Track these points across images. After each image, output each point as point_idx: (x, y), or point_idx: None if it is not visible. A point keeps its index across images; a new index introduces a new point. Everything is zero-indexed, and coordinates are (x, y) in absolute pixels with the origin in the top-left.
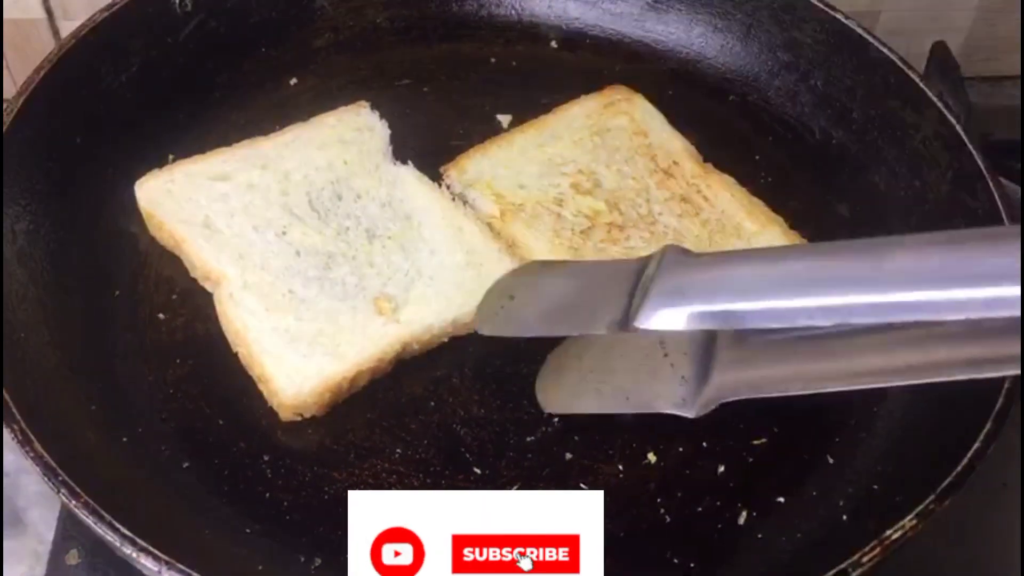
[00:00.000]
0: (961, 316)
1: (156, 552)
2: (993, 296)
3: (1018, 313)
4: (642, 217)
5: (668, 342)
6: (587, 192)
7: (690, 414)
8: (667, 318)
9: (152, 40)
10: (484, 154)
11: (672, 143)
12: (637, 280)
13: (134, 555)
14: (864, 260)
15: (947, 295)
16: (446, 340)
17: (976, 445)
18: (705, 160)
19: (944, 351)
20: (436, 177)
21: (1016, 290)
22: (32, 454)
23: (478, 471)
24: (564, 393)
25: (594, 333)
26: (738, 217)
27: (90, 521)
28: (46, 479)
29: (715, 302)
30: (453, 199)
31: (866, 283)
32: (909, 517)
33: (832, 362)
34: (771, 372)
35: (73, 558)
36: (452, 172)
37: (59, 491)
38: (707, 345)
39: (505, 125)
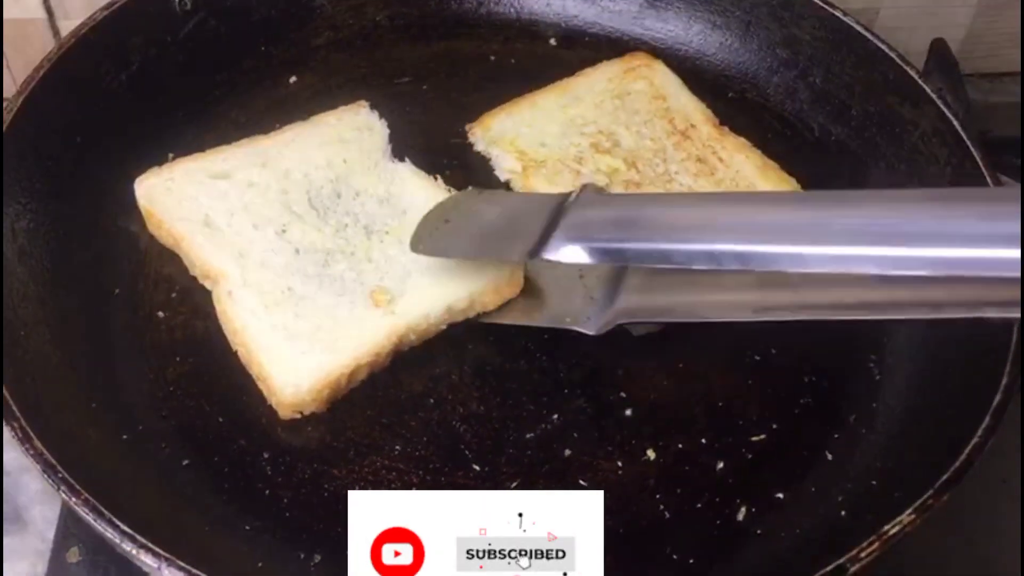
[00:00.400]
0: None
1: (156, 549)
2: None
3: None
4: (659, 176)
5: (584, 266)
6: (606, 151)
7: (591, 331)
8: (570, 252)
9: (152, 39)
10: (508, 113)
11: (690, 107)
12: (555, 214)
13: (134, 551)
14: (746, 210)
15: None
16: (444, 328)
17: (974, 440)
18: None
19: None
20: (434, 174)
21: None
22: (32, 451)
23: (477, 468)
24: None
25: (510, 260)
26: (752, 178)
27: (90, 518)
28: (46, 476)
29: (614, 241)
30: (449, 191)
31: (742, 232)
32: (907, 512)
33: (735, 295)
34: (676, 299)
35: (74, 556)
36: (477, 130)
37: (59, 488)
38: (620, 270)
39: None
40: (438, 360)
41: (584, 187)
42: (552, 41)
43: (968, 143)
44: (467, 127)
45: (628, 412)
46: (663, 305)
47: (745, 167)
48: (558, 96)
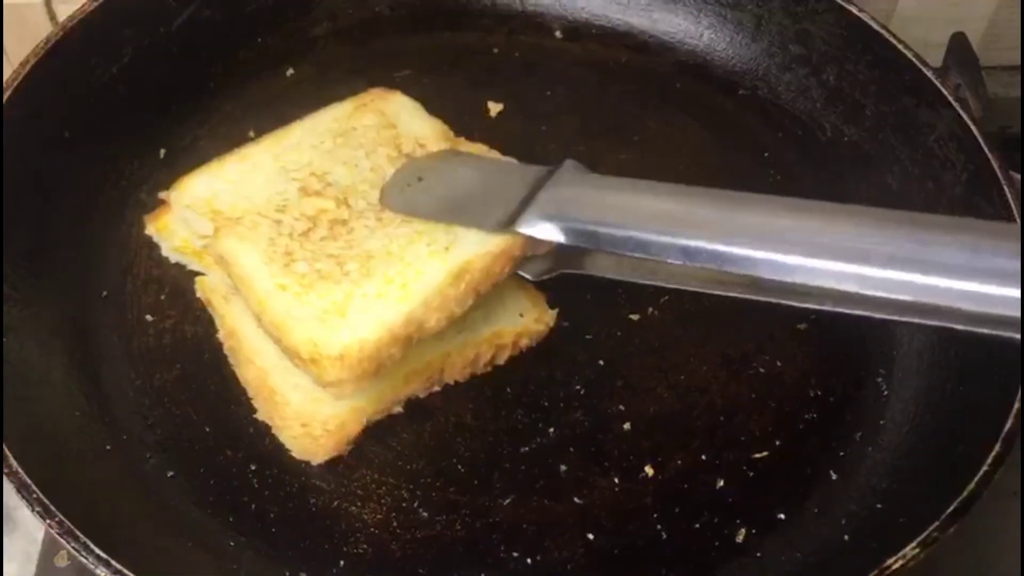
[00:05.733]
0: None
1: (129, 574)
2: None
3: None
4: (371, 206)
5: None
6: (316, 193)
7: (531, 276)
8: (544, 229)
9: (144, 30)
10: (209, 174)
11: (422, 128)
12: (532, 187)
13: None
14: (726, 210)
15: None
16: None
17: (983, 469)
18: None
19: None
20: None
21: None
22: (6, 470)
23: (470, 483)
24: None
25: (482, 229)
26: None
27: (63, 541)
28: (21, 495)
29: (589, 223)
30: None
31: (723, 231)
32: (912, 545)
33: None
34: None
35: (62, 559)
36: (173, 195)
37: (33, 509)
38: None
39: (493, 114)
40: None
41: (567, 161)
42: (558, 34)
43: (985, 149)
44: (163, 195)
45: (626, 426)
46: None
47: None
48: (273, 144)
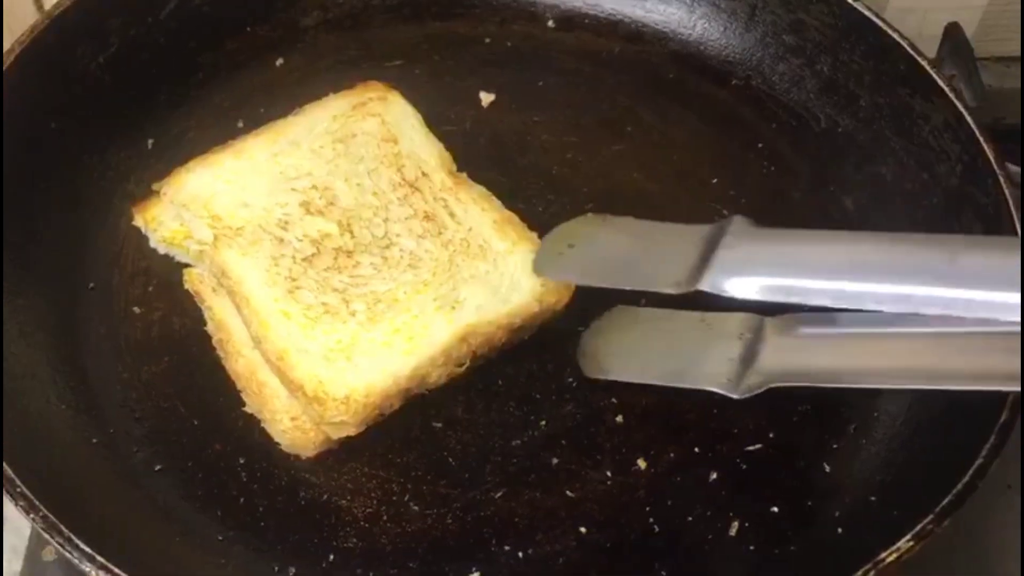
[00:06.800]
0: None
1: (116, 570)
2: None
3: None
4: (376, 240)
5: (713, 323)
6: (319, 212)
7: (735, 395)
8: (737, 285)
9: (131, 19)
10: (206, 167)
11: (424, 150)
12: (705, 245)
13: (93, 573)
14: (936, 253)
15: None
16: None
17: (978, 461)
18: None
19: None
20: None
21: None
22: None
23: (461, 476)
24: (608, 361)
25: (657, 291)
26: (486, 235)
27: (48, 536)
28: (5, 490)
29: (785, 276)
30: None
31: (937, 276)
32: (906, 538)
33: (878, 360)
34: (820, 362)
35: (49, 554)
36: (168, 189)
37: (17, 503)
38: (756, 330)
39: (485, 104)
40: None
41: (734, 217)
42: (550, 23)
43: (980, 140)
44: (156, 186)
45: (619, 419)
46: (811, 366)
47: (480, 223)
48: (270, 141)
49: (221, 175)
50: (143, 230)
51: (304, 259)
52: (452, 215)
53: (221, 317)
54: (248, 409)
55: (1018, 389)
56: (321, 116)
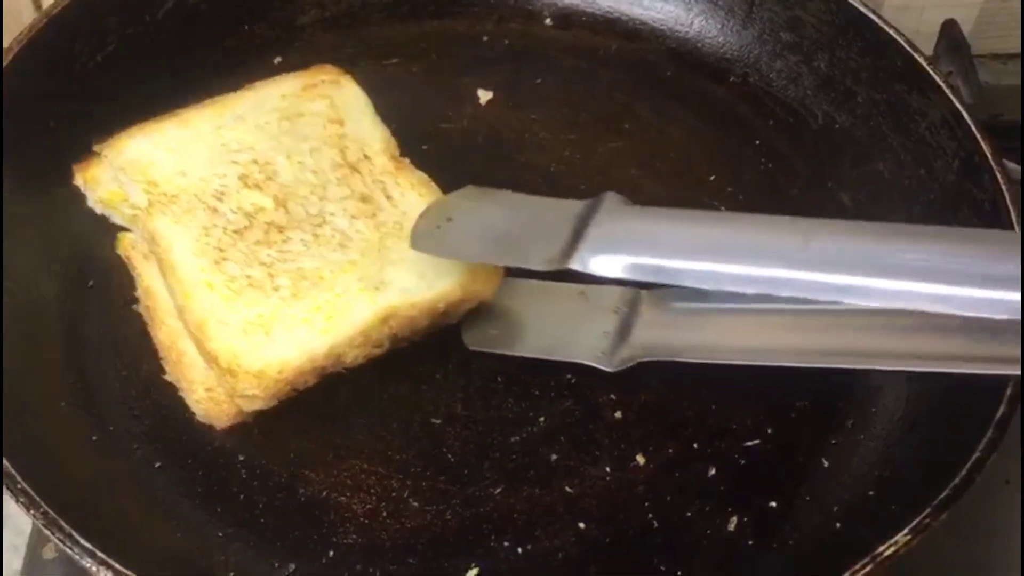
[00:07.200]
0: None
1: (117, 566)
2: (897, 288)
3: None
4: (310, 217)
5: (592, 297)
6: (256, 186)
7: (608, 368)
8: (604, 263)
9: (129, 18)
10: (149, 133)
11: (369, 134)
12: (578, 222)
13: (94, 569)
14: (790, 236)
15: (866, 282)
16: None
17: (976, 455)
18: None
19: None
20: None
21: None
22: None
23: (460, 472)
24: (488, 334)
25: (529, 267)
26: None
27: (48, 532)
28: (5, 486)
29: (649, 256)
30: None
31: (790, 259)
32: (903, 532)
33: (749, 337)
34: (691, 338)
35: (50, 552)
36: (108, 153)
37: (18, 500)
38: (632, 303)
39: (483, 102)
40: (421, 359)
41: (607, 194)
42: (548, 21)
43: (978, 136)
44: (97, 147)
45: (617, 415)
46: (684, 342)
47: (416, 208)
48: (216, 114)
49: (162, 142)
50: (81, 188)
51: (235, 231)
52: (389, 198)
53: (149, 284)
54: (167, 378)
55: (873, 367)
56: (270, 93)
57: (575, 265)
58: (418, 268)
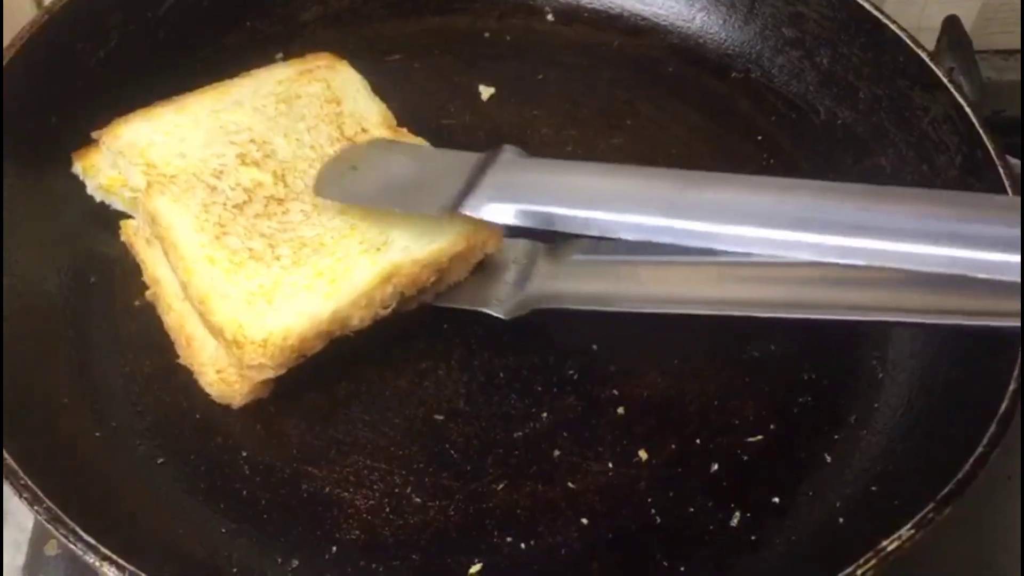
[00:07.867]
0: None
1: (120, 561)
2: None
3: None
4: (309, 188)
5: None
6: (254, 163)
7: (503, 315)
8: (495, 210)
9: (131, 14)
10: (145, 119)
11: (367, 110)
12: (474, 171)
13: (97, 564)
14: (670, 184)
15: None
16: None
17: (979, 450)
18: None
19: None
20: None
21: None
22: None
23: (463, 468)
24: None
25: (425, 213)
26: None
27: (52, 527)
28: (9, 482)
29: (539, 203)
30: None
31: (668, 207)
32: (907, 527)
33: (644, 286)
34: (586, 287)
35: (52, 548)
36: (107, 138)
37: (21, 495)
38: (530, 256)
39: (485, 98)
40: (423, 355)
41: (504, 146)
42: (549, 17)
43: (980, 131)
44: (95, 134)
45: (620, 410)
46: (578, 291)
47: None
48: (214, 99)
49: (160, 127)
50: (80, 177)
51: (235, 206)
52: None
53: (154, 270)
54: (181, 361)
55: (758, 314)
56: (267, 79)
57: (468, 211)
58: (419, 227)
